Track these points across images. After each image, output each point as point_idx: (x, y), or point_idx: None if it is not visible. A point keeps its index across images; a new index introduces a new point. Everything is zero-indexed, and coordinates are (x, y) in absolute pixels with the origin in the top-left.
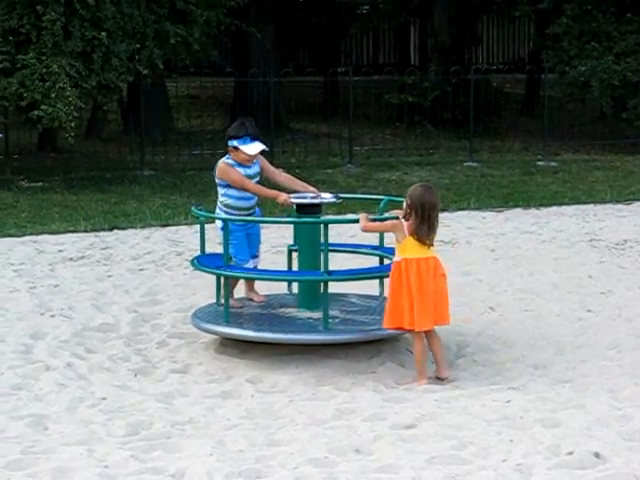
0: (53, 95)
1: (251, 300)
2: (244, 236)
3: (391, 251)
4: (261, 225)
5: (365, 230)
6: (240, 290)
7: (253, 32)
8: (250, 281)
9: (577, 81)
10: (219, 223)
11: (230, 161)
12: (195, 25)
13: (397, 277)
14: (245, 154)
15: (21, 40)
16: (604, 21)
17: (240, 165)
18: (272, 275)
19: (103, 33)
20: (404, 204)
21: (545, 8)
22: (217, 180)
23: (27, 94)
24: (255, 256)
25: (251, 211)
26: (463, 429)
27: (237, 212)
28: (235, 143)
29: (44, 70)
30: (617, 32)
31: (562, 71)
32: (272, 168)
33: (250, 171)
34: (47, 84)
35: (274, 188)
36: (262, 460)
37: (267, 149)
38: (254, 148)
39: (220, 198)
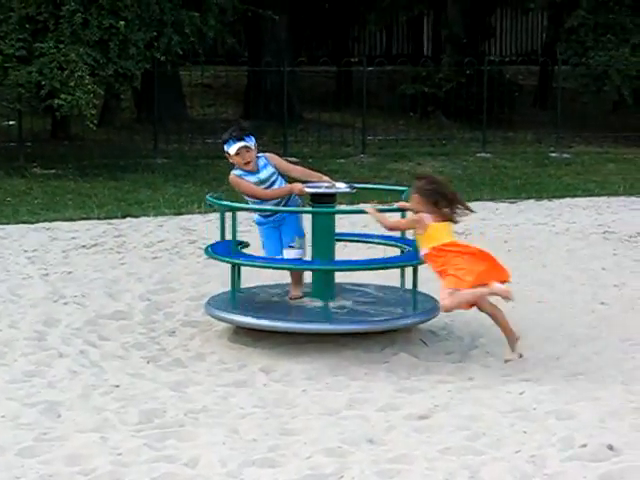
0: (72, 84)
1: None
2: (271, 229)
3: (406, 242)
4: (302, 215)
5: (390, 229)
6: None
7: (269, 16)
8: (295, 274)
9: (592, 72)
10: (256, 217)
11: (237, 172)
12: (210, 13)
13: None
14: (229, 155)
15: (38, 28)
16: (620, 13)
17: (248, 173)
18: (282, 264)
19: (121, 22)
20: (412, 201)
21: (562, 0)
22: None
23: (46, 82)
24: (290, 246)
25: (280, 205)
26: (477, 420)
27: (265, 213)
28: (225, 148)
29: (62, 58)
30: (633, 24)
31: (576, 63)
32: (286, 165)
33: (261, 175)
34: (65, 72)
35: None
36: (275, 449)
37: (247, 144)
38: (233, 148)
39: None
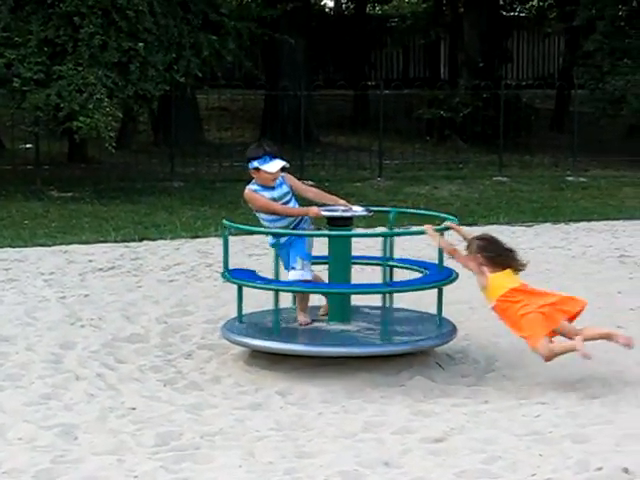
0: (90, 106)
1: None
2: (282, 251)
3: (426, 265)
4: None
5: (451, 256)
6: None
7: (287, 40)
8: (300, 299)
9: (609, 97)
10: (269, 239)
11: (254, 187)
12: (228, 37)
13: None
14: (267, 173)
15: (57, 51)
16: (636, 38)
17: (265, 188)
18: (317, 288)
19: (140, 44)
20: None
21: (579, 25)
22: (250, 206)
23: (64, 105)
24: (292, 267)
25: (291, 226)
26: (492, 443)
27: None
28: (256, 164)
29: (81, 81)
30: None
31: (593, 87)
32: (301, 185)
33: (276, 193)
34: (84, 95)
35: (306, 204)
36: (291, 472)
37: (287, 165)
38: (274, 166)
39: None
